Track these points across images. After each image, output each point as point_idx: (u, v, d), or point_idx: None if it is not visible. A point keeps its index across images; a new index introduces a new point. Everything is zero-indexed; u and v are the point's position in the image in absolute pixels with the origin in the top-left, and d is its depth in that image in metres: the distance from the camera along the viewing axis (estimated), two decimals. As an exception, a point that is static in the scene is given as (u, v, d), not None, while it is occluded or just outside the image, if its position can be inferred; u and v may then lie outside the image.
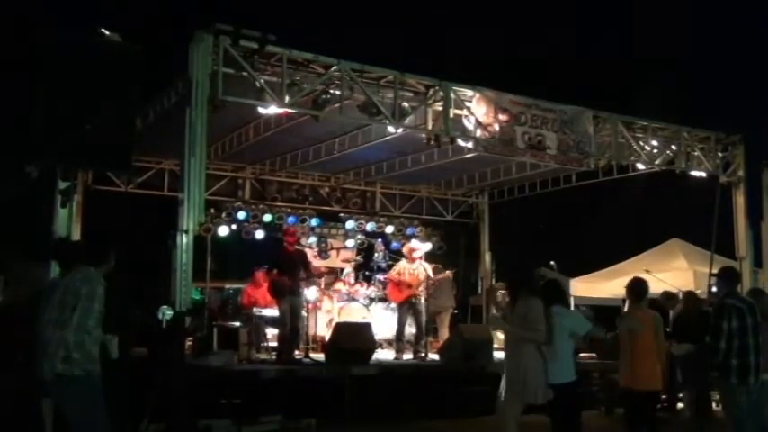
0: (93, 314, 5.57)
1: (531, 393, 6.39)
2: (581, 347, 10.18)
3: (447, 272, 12.62)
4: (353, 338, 10.67)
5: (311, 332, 12.38)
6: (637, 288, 7.25)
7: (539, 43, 23.60)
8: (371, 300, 13.73)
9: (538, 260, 15.54)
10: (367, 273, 14.58)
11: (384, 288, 13.71)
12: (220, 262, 14.62)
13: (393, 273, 12.42)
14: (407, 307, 12.17)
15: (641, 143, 12.50)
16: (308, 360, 11.00)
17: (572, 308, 14.64)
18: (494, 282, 16.24)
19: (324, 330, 12.87)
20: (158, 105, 10.66)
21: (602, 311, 13.44)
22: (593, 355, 11.92)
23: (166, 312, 11.16)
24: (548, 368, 6.44)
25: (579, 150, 11.57)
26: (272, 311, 11.68)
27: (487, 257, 16.67)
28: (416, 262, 12.23)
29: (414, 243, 12.99)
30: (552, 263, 15.13)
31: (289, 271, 10.97)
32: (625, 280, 7.64)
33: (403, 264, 12.45)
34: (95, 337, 5.61)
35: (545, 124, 11.21)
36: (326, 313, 13.15)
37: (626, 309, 7.95)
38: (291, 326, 10.92)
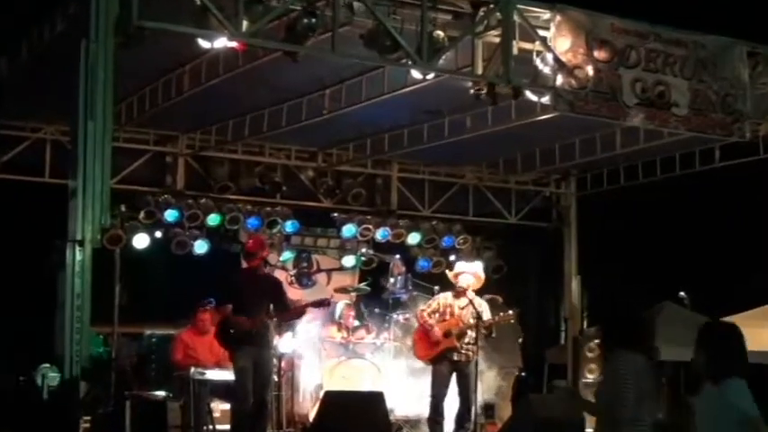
0: None
1: None
2: None
3: (509, 312, 12.58)
4: (354, 418, 10.67)
5: (287, 407, 12.38)
6: None
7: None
8: (381, 352, 13.74)
9: (658, 289, 15.47)
10: (377, 310, 14.58)
11: (405, 335, 13.69)
12: (137, 292, 14.65)
13: (427, 310, 12.37)
14: (447, 367, 12.14)
15: (829, 97, 12.44)
16: (280, 453, 11.03)
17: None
18: (585, 326, 16.18)
19: (307, 404, 12.86)
20: (35, 38, 10.67)
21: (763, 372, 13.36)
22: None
23: (49, 374, 11.18)
24: None
25: (726, 109, 11.52)
26: (223, 373, 11.70)
27: (575, 285, 16.66)
28: (467, 294, 12.19)
29: (462, 265, 12.95)
30: (682, 294, 15.07)
31: (250, 306, 10.97)
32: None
33: (444, 298, 12.40)
34: None
35: (670, 66, 11.17)
36: (311, 376, 13.15)
37: None
38: (255, 396, 10.94)
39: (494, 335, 12.28)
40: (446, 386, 12.16)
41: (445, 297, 12.42)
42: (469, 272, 12.45)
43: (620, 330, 6.80)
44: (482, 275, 12.58)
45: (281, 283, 12.04)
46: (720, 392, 6.42)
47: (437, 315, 12.21)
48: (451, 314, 12.14)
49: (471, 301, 12.07)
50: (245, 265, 11.69)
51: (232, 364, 11.05)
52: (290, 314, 11.71)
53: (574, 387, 14.53)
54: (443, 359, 12.11)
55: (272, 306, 11.20)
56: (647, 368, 6.64)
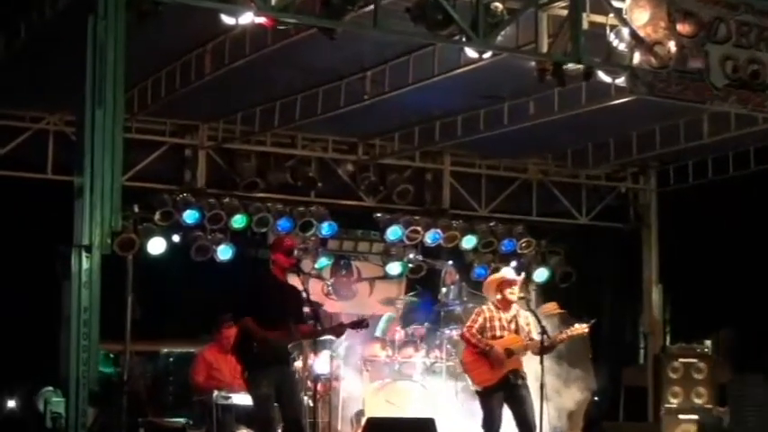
0: None
1: None
2: None
3: (578, 326, 12.51)
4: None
5: (323, 436, 12.42)
6: None
7: None
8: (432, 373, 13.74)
9: (750, 300, 15.37)
10: (427, 325, 14.58)
11: (459, 353, 13.68)
12: (153, 304, 14.71)
13: (474, 326, 12.28)
14: (503, 391, 12.09)
15: None
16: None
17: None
18: (668, 342, 16.10)
19: (347, 432, 12.90)
20: (35, 15, 10.73)
21: None
22: None
23: (53, 399, 11.27)
24: None
25: (832, 90, 11.44)
26: (251, 398, 11.73)
27: (656, 295, 16.60)
28: (513, 307, 12.16)
29: (507, 271, 12.89)
30: (780, 305, 15.00)
31: (274, 318, 10.96)
32: None
33: (489, 311, 12.34)
34: None
35: (764, 41, 11.10)
36: (352, 400, 13.17)
37: None
38: (288, 424, 10.93)
39: (556, 345, 12.26)
40: (501, 411, 12.12)
41: (489, 310, 12.26)
42: (519, 282, 12.42)
43: (742, 349, 6.79)
44: (538, 281, 12.64)
45: (302, 295, 11.95)
46: None
47: (485, 332, 12.10)
48: (503, 328, 12.08)
49: (522, 313, 12.06)
50: (272, 268, 11.52)
51: (249, 387, 10.95)
52: (324, 332, 11.66)
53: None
54: (504, 383, 12.06)
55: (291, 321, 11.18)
56: None
